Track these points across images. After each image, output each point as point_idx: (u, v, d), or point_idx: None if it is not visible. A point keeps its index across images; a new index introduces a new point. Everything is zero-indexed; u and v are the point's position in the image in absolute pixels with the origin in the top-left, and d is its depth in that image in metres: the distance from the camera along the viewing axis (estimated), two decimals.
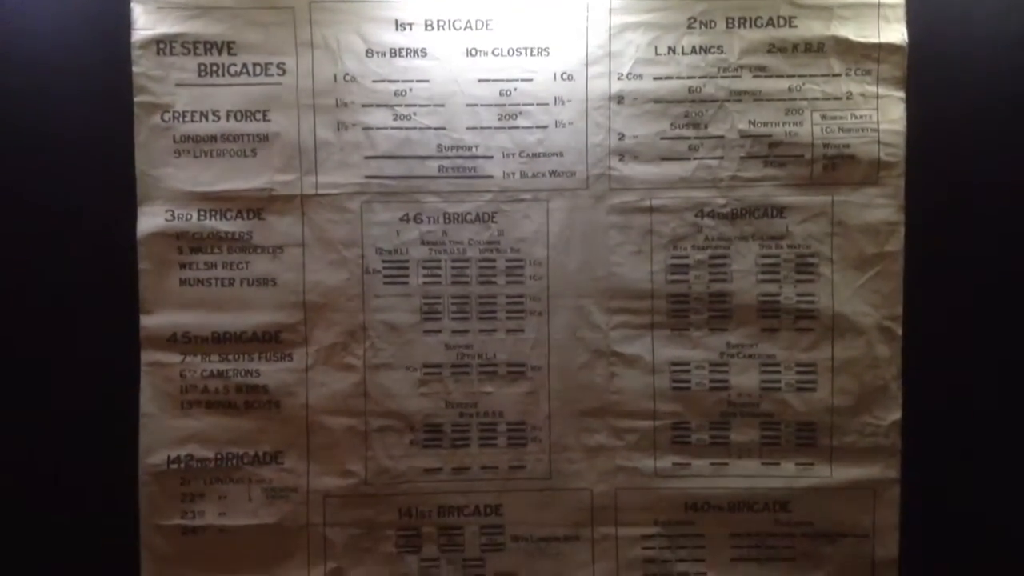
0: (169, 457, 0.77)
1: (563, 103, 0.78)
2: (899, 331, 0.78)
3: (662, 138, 0.78)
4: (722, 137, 0.79)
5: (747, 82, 0.79)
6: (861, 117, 0.78)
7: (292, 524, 0.78)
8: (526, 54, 0.78)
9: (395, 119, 0.78)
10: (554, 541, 0.79)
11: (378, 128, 0.78)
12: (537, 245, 0.79)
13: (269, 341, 0.78)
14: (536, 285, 0.79)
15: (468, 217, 0.79)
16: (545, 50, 0.78)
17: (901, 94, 0.78)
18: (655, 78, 0.78)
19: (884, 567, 0.79)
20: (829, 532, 0.79)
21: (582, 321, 0.79)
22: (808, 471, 0.79)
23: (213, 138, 0.77)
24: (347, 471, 0.78)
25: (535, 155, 0.78)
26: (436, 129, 0.78)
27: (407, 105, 0.78)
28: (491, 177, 0.78)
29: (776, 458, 0.79)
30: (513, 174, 0.78)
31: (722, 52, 0.78)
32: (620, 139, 0.78)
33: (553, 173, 0.78)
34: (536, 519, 0.79)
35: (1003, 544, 0.81)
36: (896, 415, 0.78)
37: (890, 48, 0.78)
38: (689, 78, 0.78)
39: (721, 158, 0.79)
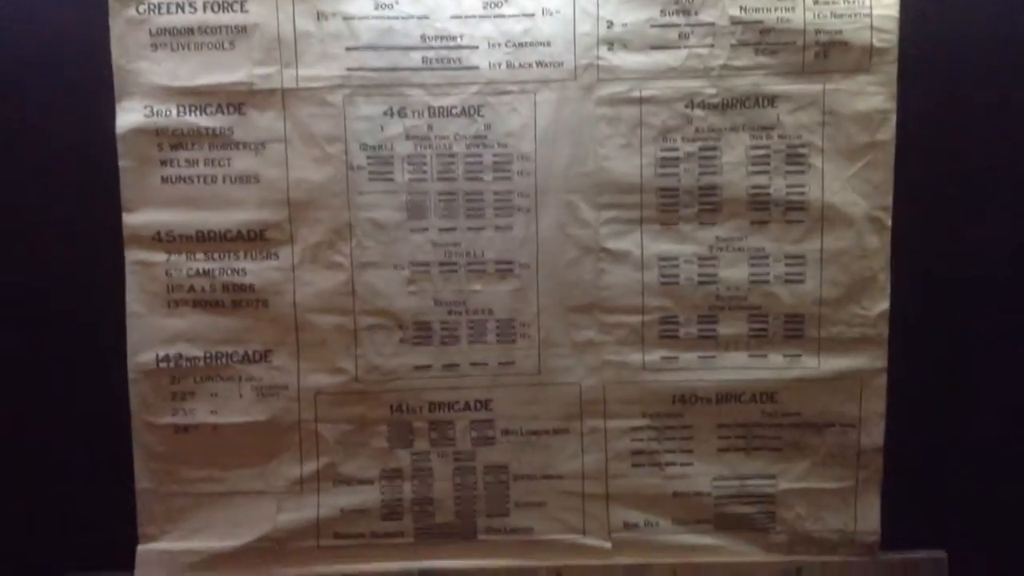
0: (158, 356, 0.82)
1: None
2: (888, 221, 0.83)
3: (652, 26, 0.81)
4: (713, 24, 0.81)
5: None
6: (854, 2, 0.81)
7: (284, 421, 0.84)
8: None
9: (376, 8, 0.80)
10: (543, 434, 0.86)
11: (359, 18, 0.80)
12: (524, 139, 0.82)
13: (254, 239, 0.82)
14: (524, 181, 0.83)
15: (454, 111, 0.82)
16: None
17: None
18: None
19: (869, 455, 0.86)
20: (816, 422, 0.86)
21: (571, 217, 0.83)
22: (795, 362, 0.85)
23: (190, 30, 0.79)
24: (337, 369, 0.84)
25: (521, 45, 0.81)
26: (419, 18, 0.81)
27: None
28: (476, 68, 0.81)
29: (764, 350, 0.85)
30: (499, 65, 0.81)
31: None
32: (609, 27, 0.81)
33: (540, 64, 0.81)
34: (526, 413, 0.85)
35: (987, 431, 0.88)
36: (884, 305, 0.84)
37: None
38: None
39: (712, 46, 0.82)
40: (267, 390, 0.83)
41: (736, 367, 0.85)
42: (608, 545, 0.86)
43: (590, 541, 0.86)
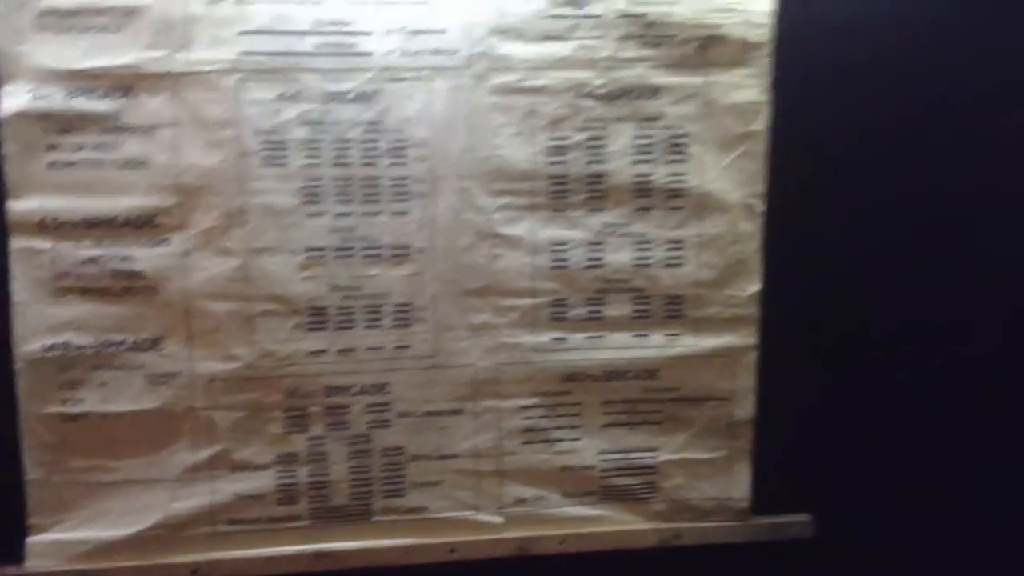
0: (45, 345, 0.96)
1: None
2: (760, 208, 1.06)
3: (542, 17, 1.00)
4: (600, 17, 1.01)
5: None
6: None
7: (176, 408, 0.99)
8: None
9: None
10: (439, 415, 1.05)
11: (251, 2, 0.95)
12: (420, 126, 1.00)
13: (143, 226, 0.96)
14: (420, 167, 1.01)
15: (348, 96, 0.98)
16: None
17: None
18: None
19: (741, 427, 1.10)
20: (693, 396, 1.09)
21: (466, 203, 1.02)
22: (675, 341, 1.08)
23: (76, 12, 0.92)
24: (231, 355, 1.00)
25: (416, 32, 0.98)
26: (312, 3, 0.96)
27: None
28: (371, 55, 0.98)
29: (647, 330, 1.07)
30: (394, 52, 0.98)
31: None
32: (501, 17, 1.00)
33: (434, 51, 0.99)
34: (422, 395, 1.04)
35: (851, 404, 1.14)
36: (756, 286, 1.08)
37: None
38: None
39: (600, 38, 1.02)
40: (158, 378, 0.98)
41: (621, 346, 1.07)
42: (500, 520, 1.07)
43: (483, 517, 1.07)
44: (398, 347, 1.03)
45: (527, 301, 1.05)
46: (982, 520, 1.20)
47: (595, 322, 1.07)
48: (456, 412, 1.06)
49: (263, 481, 1.03)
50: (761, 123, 1.06)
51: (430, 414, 1.05)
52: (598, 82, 1.03)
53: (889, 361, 1.15)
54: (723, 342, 1.08)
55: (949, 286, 1.14)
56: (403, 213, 1.01)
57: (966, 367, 1.17)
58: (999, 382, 1.18)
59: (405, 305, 1.03)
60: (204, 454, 1.01)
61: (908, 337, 1.15)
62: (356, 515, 1.05)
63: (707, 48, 1.04)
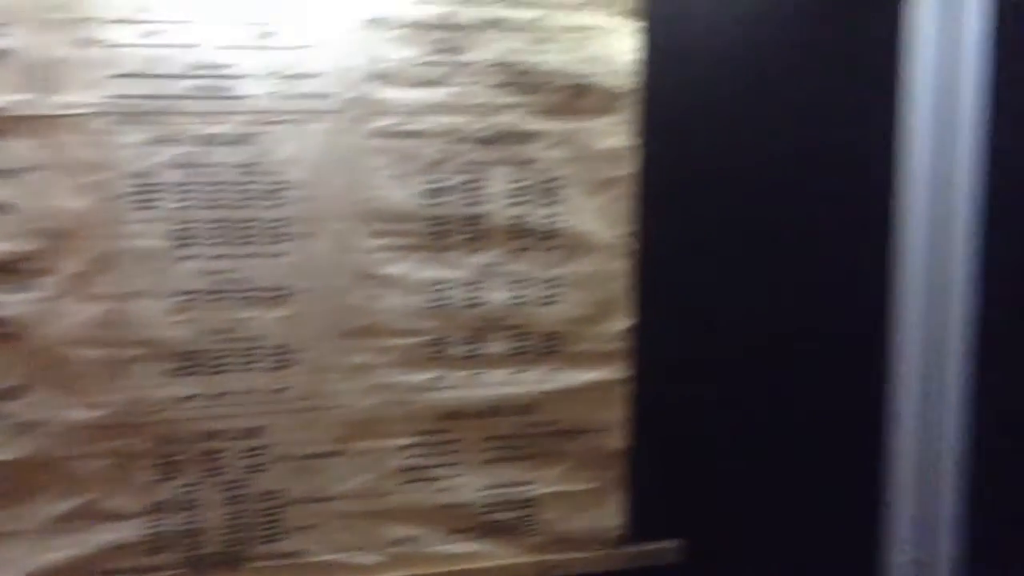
0: None
1: (319, 24, 1.00)
2: (631, 247, 1.12)
3: (419, 64, 1.03)
4: (476, 64, 1.05)
5: (499, 11, 1.05)
6: (602, 48, 1.08)
7: (41, 458, 0.96)
8: None
9: (142, 36, 0.95)
10: (318, 458, 1.05)
11: (123, 45, 0.94)
12: (297, 168, 1.01)
13: (8, 271, 0.94)
14: (296, 209, 1.01)
15: (223, 139, 0.98)
16: None
17: (639, 25, 1.09)
18: (412, 3, 1.03)
19: (614, 458, 1.15)
20: (569, 430, 1.13)
21: (344, 244, 1.03)
22: (552, 376, 1.12)
23: None
24: (99, 402, 0.97)
25: (292, 76, 1.00)
26: (187, 47, 0.96)
27: (154, 21, 0.95)
28: (246, 98, 0.99)
29: (524, 366, 1.11)
30: (270, 95, 0.99)
31: None
32: (376, 63, 1.02)
33: (310, 95, 1.00)
34: (300, 438, 1.04)
35: (722, 432, 1.21)
36: (627, 322, 1.13)
37: None
38: (444, 5, 1.03)
39: (475, 84, 1.05)
40: (24, 427, 0.95)
41: (499, 383, 1.10)
42: (380, 560, 1.08)
43: (362, 559, 1.08)
44: (275, 390, 1.03)
45: (406, 340, 1.07)
46: (855, 546, 1.29)
47: (474, 360, 1.09)
48: (335, 454, 1.06)
49: (133, 530, 1.01)
50: (628, 167, 1.11)
51: (308, 456, 1.05)
52: (474, 127, 1.06)
53: (759, 389, 1.23)
54: (597, 376, 1.13)
55: (817, 314, 1.24)
56: (280, 255, 1.02)
57: (839, 391, 1.26)
58: (875, 406, 1.28)
59: (282, 347, 1.03)
60: (72, 504, 0.98)
61: (777, 367, 1.23)
62: (232, 562, 1.04)
63: (577, 96, 1.09)
